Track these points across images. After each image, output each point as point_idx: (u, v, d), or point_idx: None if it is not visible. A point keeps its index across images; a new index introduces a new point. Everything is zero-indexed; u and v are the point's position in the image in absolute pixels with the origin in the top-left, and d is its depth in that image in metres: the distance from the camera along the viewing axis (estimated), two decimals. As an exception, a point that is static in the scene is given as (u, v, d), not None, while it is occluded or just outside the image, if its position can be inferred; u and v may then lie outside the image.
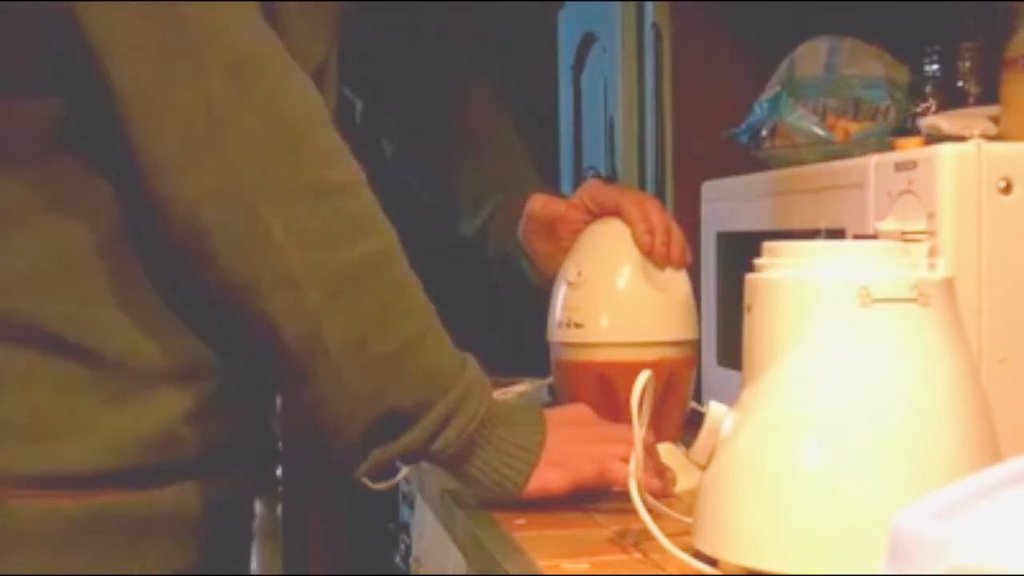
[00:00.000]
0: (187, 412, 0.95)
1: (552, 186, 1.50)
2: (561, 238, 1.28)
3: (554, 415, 1.07)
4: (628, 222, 1.21)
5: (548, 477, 1.03)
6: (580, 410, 1.10)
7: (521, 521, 1.02)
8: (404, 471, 1.26)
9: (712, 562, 0.83)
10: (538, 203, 1.31)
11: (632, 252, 1.21)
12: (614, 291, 1.20)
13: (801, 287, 0.83)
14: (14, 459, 0.90)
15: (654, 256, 1.20)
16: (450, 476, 1.17)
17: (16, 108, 0.91)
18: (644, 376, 0.89)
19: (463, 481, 1.04)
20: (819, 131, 1.31)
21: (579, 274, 1.21)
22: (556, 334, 1.23)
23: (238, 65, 0.87)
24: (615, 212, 1.22)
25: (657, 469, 1.04)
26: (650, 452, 1.03)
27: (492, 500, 1.04)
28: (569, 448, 1.04)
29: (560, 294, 1.22)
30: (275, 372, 0.97)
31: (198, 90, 0.86)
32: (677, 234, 1.22)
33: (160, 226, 0.90)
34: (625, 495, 0.89)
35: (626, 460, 0.97)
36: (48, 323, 0.91)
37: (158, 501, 0.95)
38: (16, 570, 0.90)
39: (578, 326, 1.20)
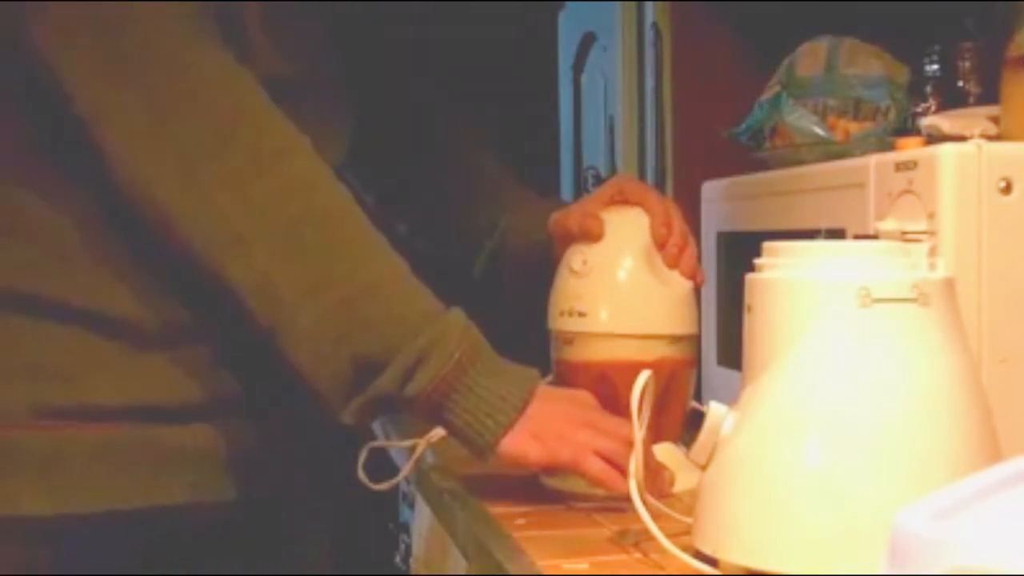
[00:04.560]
0: (191, 363, 1.05)
1: (551, 188, 1.50)
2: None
3: (551, 390, 1.08)
4: (648, 212, 1.21)
5: (526, 446, 1.02)
6: (580, 394, 1.10)
7: (521, 521, 1.02)
8: (404, 471, 1.26)
9: (712, 562, 0.83)
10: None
11: (639, 244, 1.20)
12: (619, 282, 1.20)
13: (801, 287, 0.83)
14: (36, 394, 1.01)
15: (665, 252, 1.20)
16: (450, 476, 1.17)
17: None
18: (644, 376, 0.89)
19: (445, 428, 1.05)
20: (819, 131, 1.31)
21: (584, 263, 1.20)
22: (557, 322, 1.22)
23: (168, 64, 1.00)
24: (636, 203, 1.22)
25: (654, 469, 1.04)
26: (645, 451, 1.03)
27: (473, 451, 1.04)
28: (554, 425, 1.04)
29: (563, 282, 1.22)
30: (249, 334, 1.03)
31: (137, 89, 0.98)
32: (692, 248, 1.22)
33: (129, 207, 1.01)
34: (625, 495, 0.89)
35: (607, 456, 1.01)
36: (54, 292, 1.03)
37: (174, 437, 1.05)
38: (46, 494, 1.01)
39: (581, 315, 1.19)
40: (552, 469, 1.07)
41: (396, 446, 1.24)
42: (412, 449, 1.28)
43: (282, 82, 1.06)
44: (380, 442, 1.19)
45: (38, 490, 1.01)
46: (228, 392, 1.07)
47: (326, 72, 1.16)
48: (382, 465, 1.33)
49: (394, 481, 1.23)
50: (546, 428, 1.03)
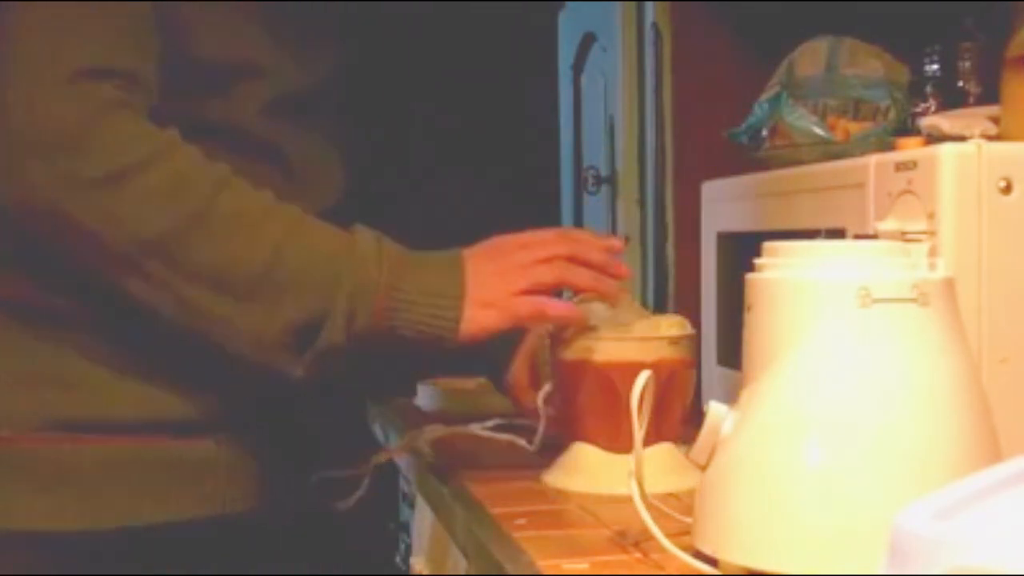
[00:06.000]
0: (199, 379, 1.05)
1: (551, 187, 1.47)
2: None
3: (475, 254, 1.07)
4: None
5: (484, 320, 1.04)
6: (498, 242, 1.10)
7: (521, 521, 1.02)
8: (362, 488, 1.27)
9: (712, 562, 0.83)
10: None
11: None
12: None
13: (801, 287, 0.83)
14: (47, 405, 1.02)
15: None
16: (450, 476, 1.17)
17: None
18: (644, 376, 0.89)
19: (403, 343, 1.05)
20: (819, 131, 1.31)
21: None
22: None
23: (15, 77, 0.97)
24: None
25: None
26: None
27: (436, 347, 1.05)
28: (497, 288, 1.05)
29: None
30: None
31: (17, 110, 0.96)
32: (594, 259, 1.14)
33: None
34: (625, 496, 0.89)
35: (561, 282, 1.07)
36: (64, 303, 1.03)
37: (185, 450, 1.06)
38: (55, 509, 1.01)
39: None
40: (518, 325, 1.09)
41: (340, 475, 1.26)
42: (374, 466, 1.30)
43: (298, 97, 1.07)
44: (328, 472, 1.20)
45: (51, 506, 1.01)
46: (237, 404, 1.08)
47: (335, 83, 1.16)
48: (384, 466, 1.33)
49: (354, 498, 1.23)
50: (491, 294, 1.04)
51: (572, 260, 1.08)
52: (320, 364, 1.02)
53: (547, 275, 1.06)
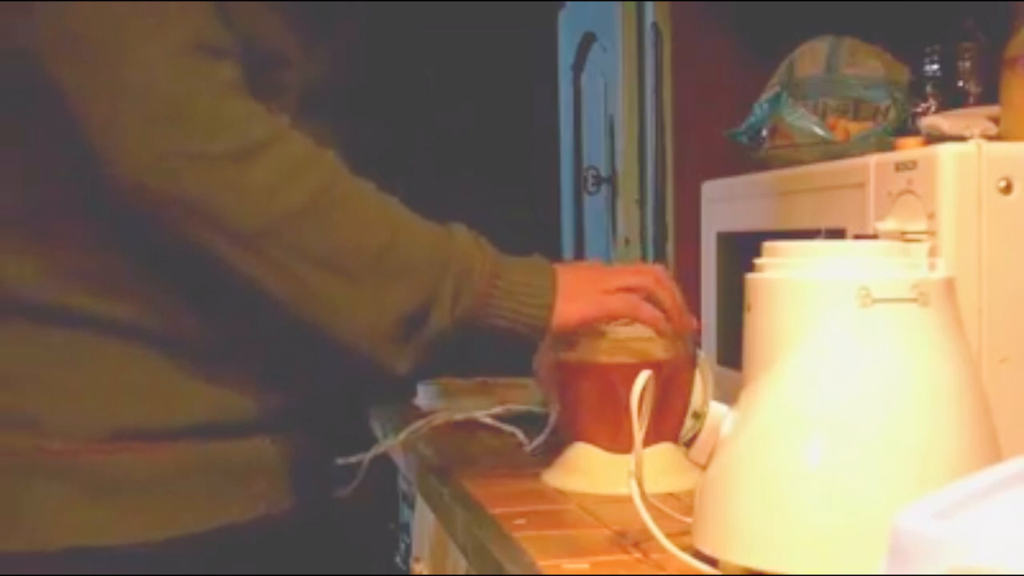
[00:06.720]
0: (250, 379, 1.05)
1: (551, 187, 1.47)
2: None
3: (563, 265, 1.13)
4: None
5: (574, 310, 1.09)
6: (589, 262, 1.16)
7: (521, 521, 1.02)
8: (360, 475, 1.27)
9: (712, 562, 0.83)
10: None
11: None
12: None
13: (801, 287, 0.83)
14: (104, 415, 1.00)
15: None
16: (450, 476, 1.17)
17: None
18: (644, 376, 0.89)
19: (496, 333, 1.08)
20: (819, 131, 1.31)
21: None
22: None
23: (153, 68, 0.96)
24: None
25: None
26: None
27: (530, 338, 1.09)
28: (587, 285, 1.11)
29: None
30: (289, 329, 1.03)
31: (114, 89, 0.95)
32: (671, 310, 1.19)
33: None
34: (625, 496, 0.89)
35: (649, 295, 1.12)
36: (115, 311, 1.02)
37: (238, 451, 1.05)
38: (120, 517, 1.00)
39: None
40: (607, 319, 1.14)
41: (346, 462, 1.26)
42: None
43: (312, 85, 1.07)
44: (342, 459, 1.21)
45: (106, 518, 0.99)
46: (280, 404, 1.08)
47: (335, 82, 1.17)
48: (385, 466, 1.33)
49: (351, 485, 1.24)
50: (581, 289, 1.10)
51: (649, 297, 1.13)
52: (423, 356, 1.04)
53: (640, 283, 1.13)
